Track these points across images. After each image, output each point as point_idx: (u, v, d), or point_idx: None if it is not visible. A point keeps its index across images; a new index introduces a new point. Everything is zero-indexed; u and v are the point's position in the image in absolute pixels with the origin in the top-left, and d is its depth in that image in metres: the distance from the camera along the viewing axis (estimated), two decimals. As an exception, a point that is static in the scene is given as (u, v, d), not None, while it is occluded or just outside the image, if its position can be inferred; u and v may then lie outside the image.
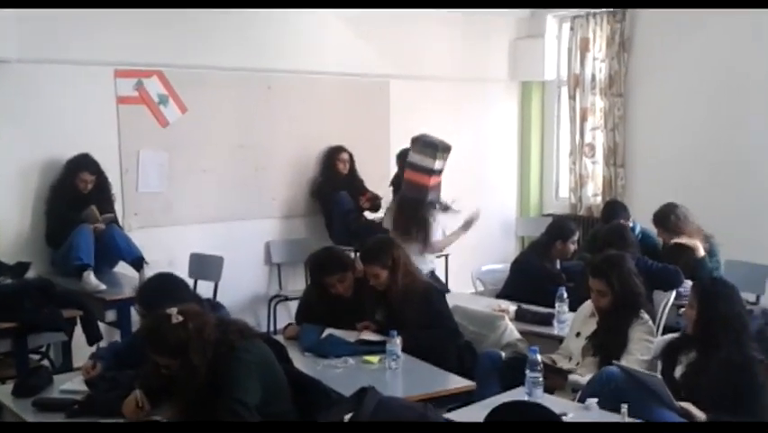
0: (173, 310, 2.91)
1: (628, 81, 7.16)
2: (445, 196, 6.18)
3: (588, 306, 3.95)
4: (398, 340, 3.59)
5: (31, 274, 5.07)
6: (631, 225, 5.59)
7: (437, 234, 5.66)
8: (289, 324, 4.27)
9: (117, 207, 5.71)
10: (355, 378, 3.38)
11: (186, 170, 6.13)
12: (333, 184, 6.59)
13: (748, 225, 6.19)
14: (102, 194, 5.55)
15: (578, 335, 3.91)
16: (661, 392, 3.14)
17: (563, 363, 3.84)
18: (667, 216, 5.39)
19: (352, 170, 6.73)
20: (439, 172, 5.67)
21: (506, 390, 3.32)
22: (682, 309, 4.18)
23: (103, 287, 5.05)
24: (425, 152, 5.63)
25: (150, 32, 5.84)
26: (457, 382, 3.48)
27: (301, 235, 6.69)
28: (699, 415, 3.08)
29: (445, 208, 5.73)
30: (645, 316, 3.78)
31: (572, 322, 4.09)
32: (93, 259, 5.17)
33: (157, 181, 6.01)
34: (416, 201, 5.64)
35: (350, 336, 3.92)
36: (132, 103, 5.90)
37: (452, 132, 7.45)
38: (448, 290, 5.32)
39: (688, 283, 4.78)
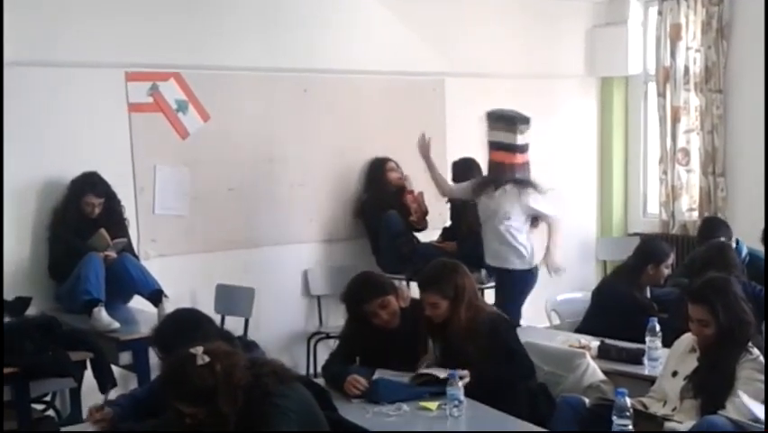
0: (199, 350, 2.92)
1: (728, 74, 7.09)
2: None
3: (686, 340, 3.90)
4: (461, 382, 3.59)
5: (32, 311, 5.15)
6: (735, 245, 5.51)
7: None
8: (351, 375, 3.92)
9: (131, 232, 5.77)
10: (411, 427, 3.39)
11: (209, 188, 6.20)
12: (381, 202, 6.60)
13: None
14: (112, 218, 5.61)
15: (674, 374, 3.85)
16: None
17: (657, 409, 3.78)
18: None
19: (411, 194, 6.73)
20: (524, 148, 5.85)
21: (589, 440, 3.29)
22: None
23: (116, 325, 5.09)
24: (499, 126, 5.84)
25: (165, 29, 5.89)
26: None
27: (344, 262, 6.69)
28: None
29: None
30: (756, 351, 3.71)
31: (668, 359, 4.02)
32: (104, 293, 5.22)
33: (176, 202, 6.09)
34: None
35: (405, 377, 3.92)
36: (146, 111, 5.96)
37: (519, 137, 7.50)
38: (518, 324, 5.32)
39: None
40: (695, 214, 7.34)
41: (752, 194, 6.93)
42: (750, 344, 3.72)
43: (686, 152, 7.39)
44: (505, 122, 5.79)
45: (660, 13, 7.48)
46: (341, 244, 6.77)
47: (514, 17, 7.38)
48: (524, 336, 4.35)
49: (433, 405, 3.66)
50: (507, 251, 5.78)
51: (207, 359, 2.89)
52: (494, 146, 5.84)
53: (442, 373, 3.76)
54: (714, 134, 7.18)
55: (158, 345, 3.56)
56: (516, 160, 5.79)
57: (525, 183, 5.80)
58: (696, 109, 7.29)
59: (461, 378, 3.60)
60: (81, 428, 3.58)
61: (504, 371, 3.89)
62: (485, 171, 6.05)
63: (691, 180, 7.41)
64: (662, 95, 7.50)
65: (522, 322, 5.90)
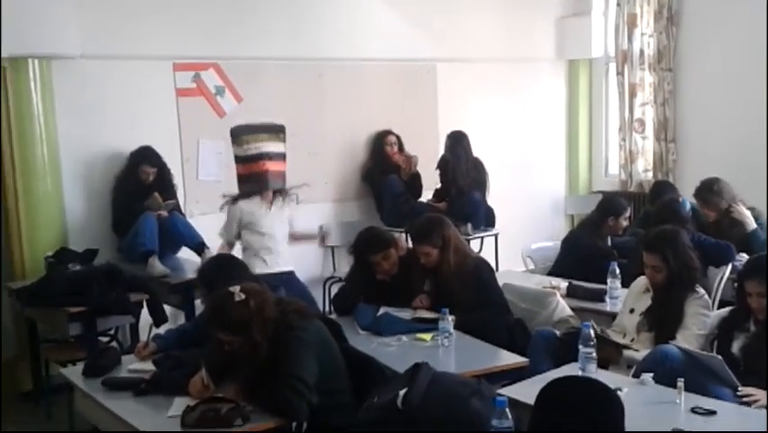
0: (236, 288, 2.92)
1: (678, 55, 6.96)
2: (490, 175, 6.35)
3: (641, 281, 3.83)
4: (450, 318, 3.55)
5: (98, 261, 5.10)
6: (681, 200, 5.43)
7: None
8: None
9: (179, 194, 5.73)
10: (408, 355, 3.34)
11: (242, 157, 6.14)
12: (383, 168, 6.52)
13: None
14: (164, 183, 5.59)
15: (632, 311, 3.80)
16: (721, 373, 3.03)
17: (617, 339, 3.73)
18: (708, 189, 5.20)
19: (401, 152, 6.65)
20: (277, 156, 5.22)
21: (559, 367, 3.25)
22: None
23: (167, 271, 5.09)
24: (263, 137, 5.20)
25: (206, 26, 5.85)
26: (509, 359, 3.41)
27: (354, 218, 6.64)
28: (762, 397, 2.97)
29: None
30: (701, 290, 3.66)
31: (626, 298, 3.96)
32: (157, 245, 5.21)
33: (216, 169, 6.01)
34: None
35: (404, 313, 3.89)
36: (190, 95, 5.93)
37: (500, 112, 7.42)
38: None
39: (743, 256, 4.64)
40: (650, 174, 7.23)
41: (698, 157, 6.82)
42: (697, 285, 3.67)
43: (641, 122, 7.26)
44: (267, 132, 5.15)
45: (618, 4, 7.31)
46: (351, 204, 6.70)
47: (495, 10, 7.21)
48: (504, 279, 4.30)
49: (427, 336, 3.64)
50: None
51: (243, 296, 2.90)
52: (265, 156, 5.16)
53: (434, 315, 3.72)
54: (665, 107, 7.05)
55: (202, 284, 3.55)
56: (284, 168, 5.23)
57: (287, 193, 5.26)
58: (650, 85, 7.15)
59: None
60: (137, 357, 3.55)
61: (481, 311, 3.83)
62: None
63: (646, 146, 7.28)
64: (620, 74, 7.36)
65: (501, 267, 5.86)
